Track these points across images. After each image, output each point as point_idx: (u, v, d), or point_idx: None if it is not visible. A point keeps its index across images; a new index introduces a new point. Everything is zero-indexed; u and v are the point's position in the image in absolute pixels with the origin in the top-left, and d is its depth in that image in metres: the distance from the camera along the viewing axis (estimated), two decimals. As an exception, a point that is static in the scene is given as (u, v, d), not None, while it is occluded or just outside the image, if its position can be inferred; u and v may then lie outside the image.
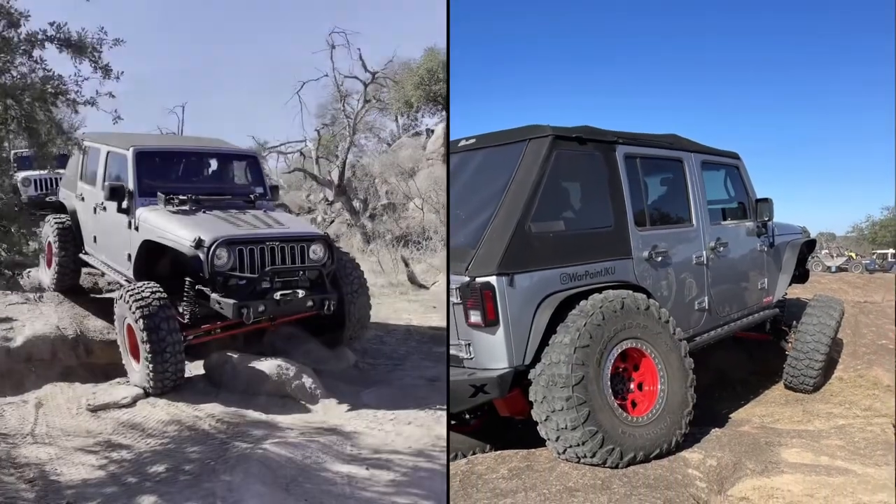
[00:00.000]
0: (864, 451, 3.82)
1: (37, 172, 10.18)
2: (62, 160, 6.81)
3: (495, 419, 4.36)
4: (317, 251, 5.51)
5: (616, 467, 3.41)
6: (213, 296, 5.13)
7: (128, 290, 5.23)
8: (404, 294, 9.42)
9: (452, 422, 4.40)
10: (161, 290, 5.21)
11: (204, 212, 5.71)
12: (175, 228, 5.36)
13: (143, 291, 5.15)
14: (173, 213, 5.61)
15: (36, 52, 4.41)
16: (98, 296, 7.41)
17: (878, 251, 29.30)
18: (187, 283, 5.36)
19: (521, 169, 3.69)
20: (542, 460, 3.57)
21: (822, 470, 3.50)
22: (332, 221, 13.17)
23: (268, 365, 5.31)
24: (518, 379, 3.49)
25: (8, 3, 4.28)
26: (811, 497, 3.20)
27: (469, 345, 3.51)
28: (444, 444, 4.25)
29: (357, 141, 14.42)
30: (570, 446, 3.40)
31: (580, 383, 3.35)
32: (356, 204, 12.90)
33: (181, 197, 5.75)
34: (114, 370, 6.02)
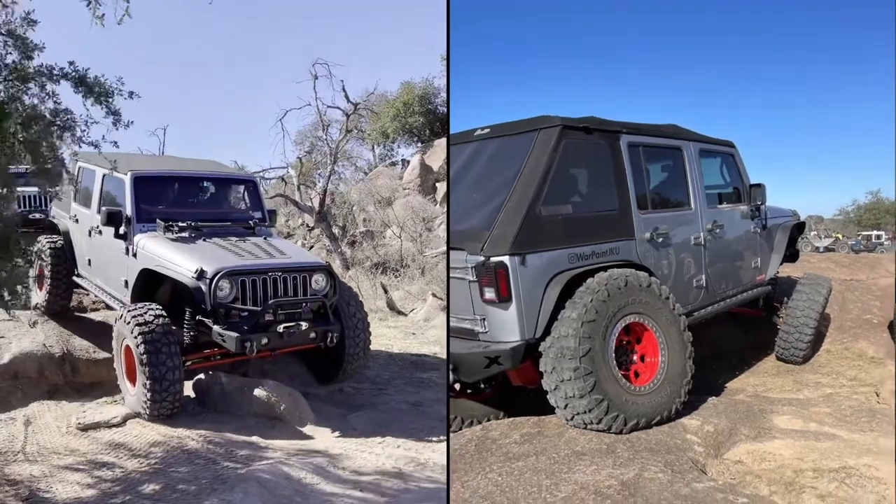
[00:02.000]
0: (850, 418, 4.11)
1: (21, 189, 10.06)
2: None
3: (508, 388, 4.69)
4: (319, 281, 5.52)
5: (620, 433, 3.70)
6: (216, 328, 5.10)
7: (129, 310, 5.21)
8: (384, 320, 9.60)
9: (468, 391, 4.70)
10: (163, 312, 5.20)
11: (204, 239, 5.71)
12: (175, 258, 5.35)
13: (144, 312, 5.13)
14: (173, 240, 5.61)
15: (50, 87, 4.58)
16: (83, 314, 7.38)
17: (863, 233, 31.68)
18: (187, 312, 5.31)
19: (532, 157, 4.02)
20: (552, 426, 3.86)
21: (811, 435, 3.77)
22: (312, 247, 13.31)
23: (257, 388, 5.43)
24: (529, 351, 3.78)
25: (25, 33, 4.46)
26: (801, 460, 3.43)
27: (484, 319, 3.83)
28: (430, 469, 4.41)
29: (334, 169, 14.77)
30: (578, 413, 3.70)
31: (587, 355, 3.65)
32: (335, 230, 13.09)
33: (181, 224, 5.76)
34: (100, 389, 6.13)
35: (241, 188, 6.70)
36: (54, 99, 4.60)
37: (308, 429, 5.18)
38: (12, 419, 5.34)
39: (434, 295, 9.95)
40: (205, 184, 6.56)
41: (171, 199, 6.24)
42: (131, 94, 4.70)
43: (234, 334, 4.97)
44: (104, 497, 3.95)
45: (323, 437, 5.01)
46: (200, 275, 5.07)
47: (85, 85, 4.56)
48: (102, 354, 6.39)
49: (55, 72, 4.53)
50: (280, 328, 5.13)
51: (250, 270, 5.22)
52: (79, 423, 5.13)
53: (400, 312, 10.13)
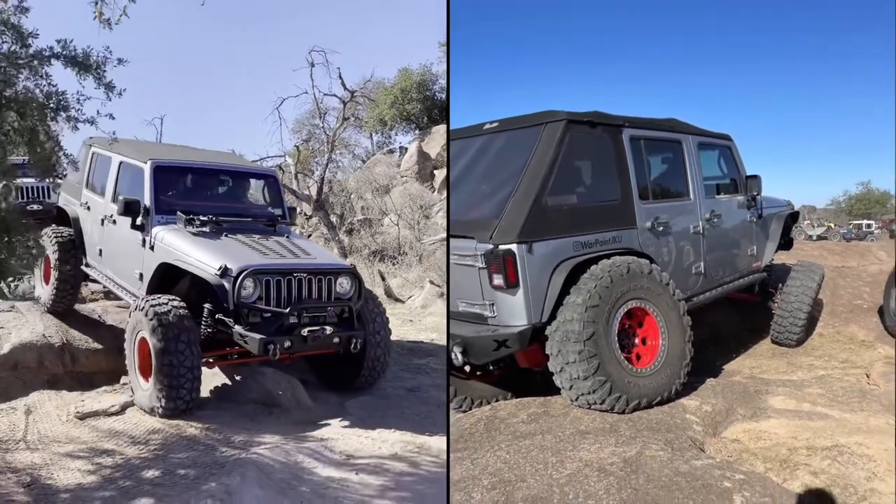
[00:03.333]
0: (842, 399, 4.30)
1: (20, 180, 9.84)
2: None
3: (516, 370, 4.88)
4: (343, 284, 5.38)
5: (622, 413, 3.91)
6: (237, 329, 4.93)
7: (147, 300, 5.04)
8: (381, 308, 9.63)
9: (477, 373, 4.91)
10: (183, 304, 5.04)
11: (226, 235, 5.56)
12: (197, 253, 5.19)
13: (165, 304, 4.98)
14: (194, 234, 5.44)
15: (42, 70, 4.52)
16: (81, 305, 7.34)
17: (854, 221, 32.97)
18: (206, 310, 5.17)
19: (538, 149, 4.22)
20: (558, 407, 4.06)
21: (804, 415, 3.95)
22: (310, 235, 13.31)
23: (255, 375, 5.48)
24: (536, 334, 3.99)
25: (19, 21, 4.42)
26: (794, 438, 3.60)
27: (492, 305, 4.02)
28: (426, 453, 4.48)
29: (332, 157, 14.70)
30: (582, 394, 3.90)
31: (591, 338, 3.85)
32: (333, 219, 13.09)
33: (202, 218, 5.58)
34: (99, 378, 6.16)
35: (261, 183, 6.51)
36: (48, 80, 4.57)
37: (305, 415, 5.25)
38: (13, 408, 5.32)
39: (431, 282, 10.00)
40: (227, 177, 6.37)
41: (191, 191, 6.06)
42: (120, 60, 4.66)
43: (258, 336, 4.83)
44: (105, 483, 4.00)
45: (320, 423, 5.06)
46: (224, 272, 4.92)
47: (76, 63, 4.52)
48: (102, 344, 6.43)
49: (45, 53, 4.49)
50: (304, 332, 4.98)
51: (275, 270, 5.07)
52: (77, 412, 5.13)
53: (398, 300, 10.19)
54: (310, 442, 4.56)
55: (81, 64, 4.58)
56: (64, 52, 4.57)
